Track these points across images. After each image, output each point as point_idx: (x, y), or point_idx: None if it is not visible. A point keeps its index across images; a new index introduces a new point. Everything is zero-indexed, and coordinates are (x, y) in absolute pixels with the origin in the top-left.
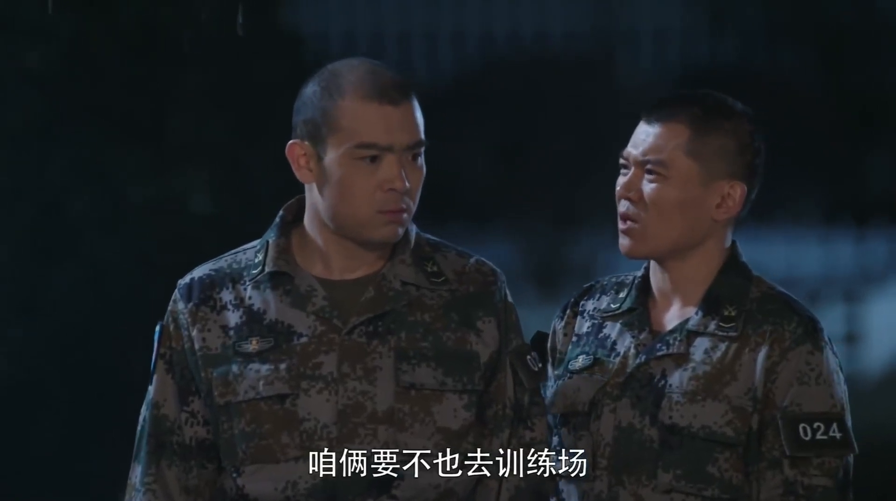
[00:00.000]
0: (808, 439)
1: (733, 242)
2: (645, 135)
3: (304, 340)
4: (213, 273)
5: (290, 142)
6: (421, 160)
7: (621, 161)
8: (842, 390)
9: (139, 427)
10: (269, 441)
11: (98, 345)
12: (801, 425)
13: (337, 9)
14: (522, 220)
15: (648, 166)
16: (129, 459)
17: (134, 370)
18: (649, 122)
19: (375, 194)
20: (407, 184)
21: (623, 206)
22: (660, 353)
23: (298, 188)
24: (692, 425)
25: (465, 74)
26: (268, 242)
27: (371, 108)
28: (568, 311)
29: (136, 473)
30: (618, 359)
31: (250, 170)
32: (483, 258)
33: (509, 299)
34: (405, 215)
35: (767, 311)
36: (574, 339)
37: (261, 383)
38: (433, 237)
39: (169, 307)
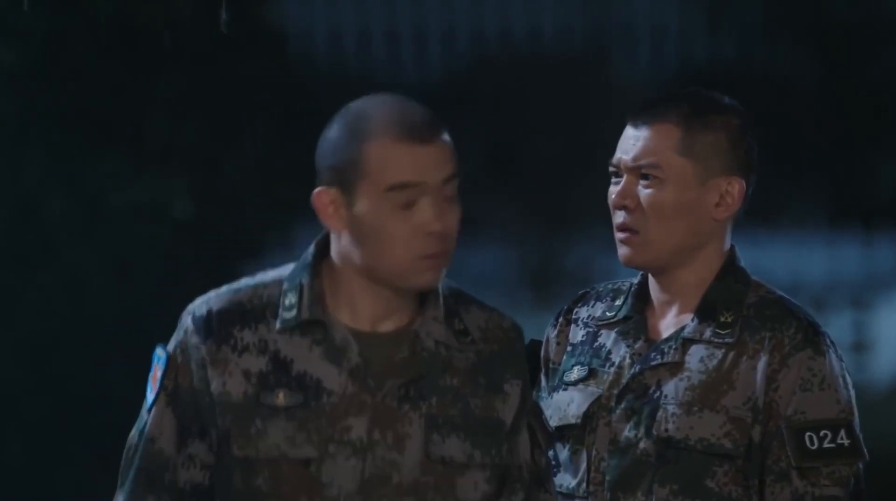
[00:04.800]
0: (815, 448)
1: (732, 246)
2: (634, 139)
3: (333, 399)
4: (233, 308)
5: (317, 190)
6: (456, 199)
7: (611, 169)
8: (849, 394)
9: (128, 453)
10: None
11: (72, 353)
12: (808, 433)
13: (323, 6)
14: (514, 222)
15: (642, 171)
16: (99, 471)
17: (109, 380)
18: (636, 125)
19: (414, 239)
20: (444, 225)
21: (619, 216)
22: (654, 362)
23: (281, 192)
24: (689, 437)
25: (455, 74)
26: (302, 284)
27: (400, 148)
28: (561, 319)
29: None
30: (613, 369)
31: (230, 173)
32: (501, 311)
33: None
34: (445, 259)
35: (765, 317)
36: (568, 348)
37: (287, 443)
38: (451, 283)
39: (178, 337)
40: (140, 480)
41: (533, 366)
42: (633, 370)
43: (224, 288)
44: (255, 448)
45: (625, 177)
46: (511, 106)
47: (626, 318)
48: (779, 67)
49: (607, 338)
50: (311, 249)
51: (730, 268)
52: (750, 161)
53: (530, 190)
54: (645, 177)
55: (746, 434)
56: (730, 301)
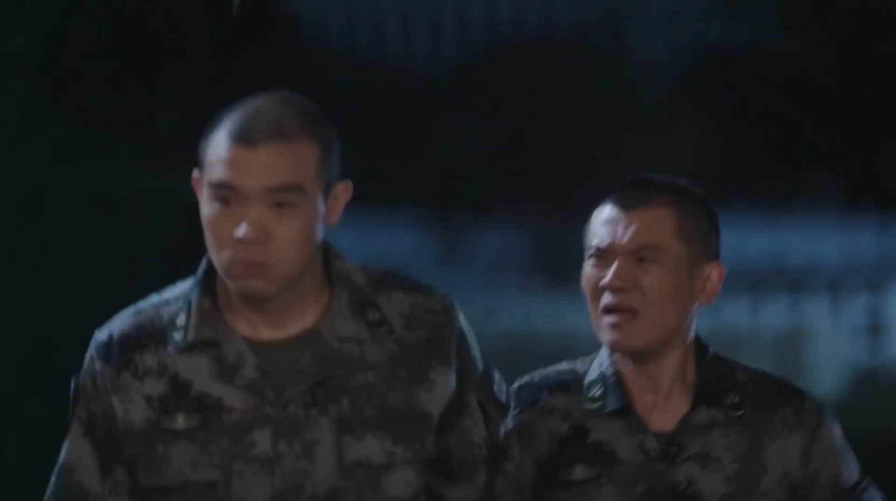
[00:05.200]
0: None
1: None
2: (627, 222)
3: (234, 416)
4: (133, 332)
5: (195, 170)
6: (295, 210)
7: (595, 253)
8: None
9: (48, 494)
10: None
11: (79, 346)
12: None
13: None
14: (528, 207)
15: (641, 254)
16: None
17: None
18: (626, 209)
19: (227, 241)
20: (254, 233)
21: (608, 298)
22: (679, 458)
23: None
24: None
25: (469, 59)
26: (190, 302)
27: (225, 146)
28: (530, 411)
29: None
30: (625, 469)
31: None
32: (433, 289)
33: (464, 327)
34: (262, 268)
35: (771, 395)
36: (557, 442)
37: (189, 467)
38: (375, 268)
39: (85, 365)
40: None
41: None
42: (658, 469)
43: (129, 309)
44: (160, 476)
45: (619, 260)
46: (525, 91)
47: (621, 409)
48: (794, 50)
49: (601, 433)
50: (204, 261)
51: (704, 350)
52: (717, 246)
53: (544, 174)
54: (643, 260)
55: None
56: (726, 383)
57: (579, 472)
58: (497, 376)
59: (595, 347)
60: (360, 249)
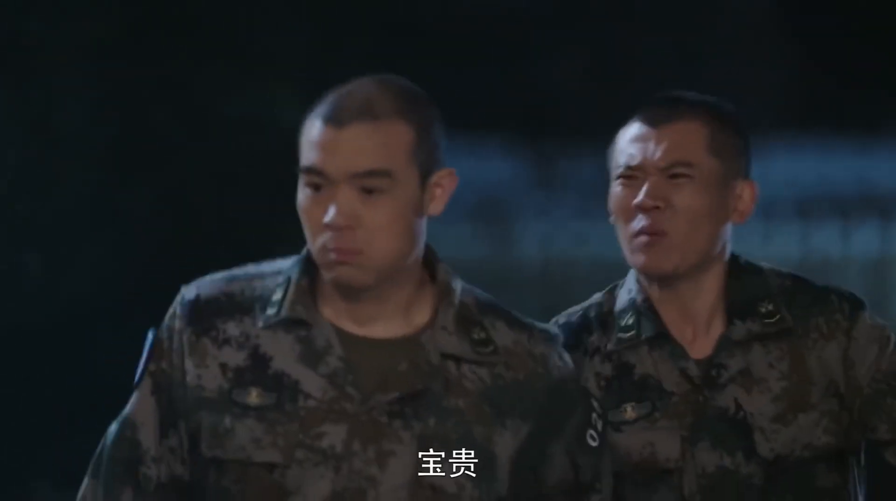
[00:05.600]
0: None
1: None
2: (658, 138)
3: (311, 403)
4: (222, 298)
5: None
6: (385, 195)
7: (625, 172)
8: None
9: (105, 440)
10: None
11: (181, 259)
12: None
13: None
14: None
15: (674, 170)
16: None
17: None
18: (656, 125)
19: (319, 227)
20: (343, 219)
21: (641, 220)
22: (721, 380)
23: None
24: (794, 449)
25: None
26: (290, 279)
27: (315, 127)
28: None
29: (97, 495)
30: (673, 400)
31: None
32: (539, 330)
33: (565, 368)
34: (352, 256)
35: (806, 303)
36: (602, 383)
37: (253, 445)
38: (484, 296)
39: (167, 320)
40: (119, 473)
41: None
42: (702, 396)
43: (222, 274)
44: (221, 448)
45: (651, 178)
46: (617, 15)
47: (657, 336)
48: None
49: (645, 366)
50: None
51: (738, 266)
52: (750, 165)
53: (637, 100)
54: (676, 176)
55: (842, 423)
56: (760, 292)
57: (630, 411)
58: (595, 421)
59: None
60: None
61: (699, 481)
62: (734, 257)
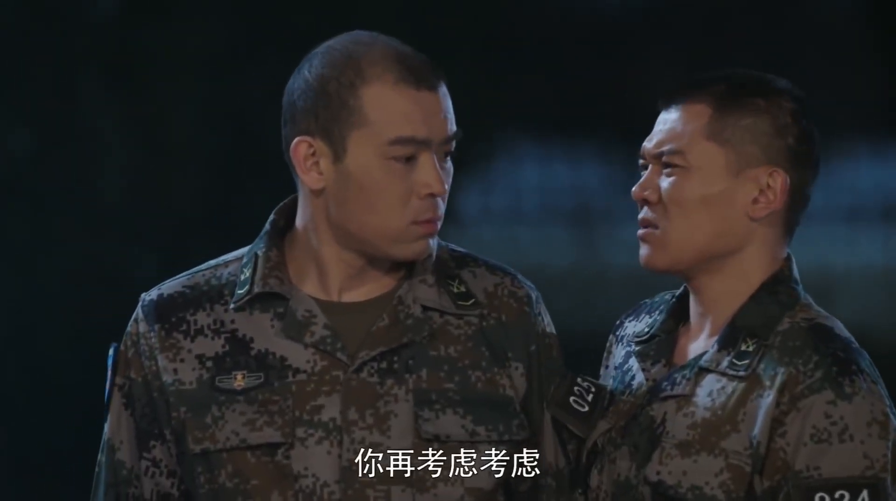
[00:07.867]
0: None
1: (788, 255)
2: (662, 124)
3: (301, 377)
4: (186, 291)
5: (296, 139)
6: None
7: (640, 161)
8: (886, 446)
9: (96, 470)
10: None
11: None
12: (819, 494)
13: None
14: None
15: (665, 159)
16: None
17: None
18: (667, 108)
19: (410, 201)
20: (445, 187)
21: (641, 212)
22: (664, 394)
23: None
24: (681, 484)
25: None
26: (257, 254)
27: (405, 94)
28: (611, 336)
29: None
30: (629, 398)
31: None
32: (519, 277)
33: (548, 328)
34: (437, 226)
35: (788, 348)
36: (613, 372)
37: (247, 428)
38: (458, 248)
39: (128, 328)
40: (109, 499)
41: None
42: (645, 401)
43: (182, 274)
44: (212, 439)
45: (651, 167)
46: (712, 22)
47: (652, 337)
48: None
49: (641, 361)
50: (272, 217)
51: (774, 283)
52: (801, 154)
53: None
54: (667, 165)
55: (742, 486)
56: (757, 327)
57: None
58: (581, 385)
59: None
60: (547, 180)
61: (612, 488)
62: (781, 271)
